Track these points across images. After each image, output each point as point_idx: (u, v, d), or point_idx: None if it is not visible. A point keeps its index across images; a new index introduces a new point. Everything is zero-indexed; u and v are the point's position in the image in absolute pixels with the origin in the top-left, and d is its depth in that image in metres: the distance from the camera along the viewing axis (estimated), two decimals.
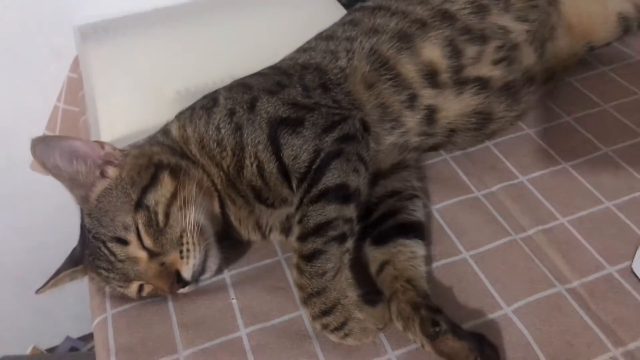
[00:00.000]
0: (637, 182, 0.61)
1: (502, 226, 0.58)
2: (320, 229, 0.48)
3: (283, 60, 0.64)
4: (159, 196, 0.51)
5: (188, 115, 0.57)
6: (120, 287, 0.51)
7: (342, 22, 0.67)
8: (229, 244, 0.57)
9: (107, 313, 0.54)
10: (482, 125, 0.64)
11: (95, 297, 0.56)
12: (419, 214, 0.57)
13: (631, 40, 0.80)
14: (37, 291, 0.54)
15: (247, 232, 0.57)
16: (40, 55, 0.93)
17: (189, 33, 0.84)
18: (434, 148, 0.67)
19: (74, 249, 0.55)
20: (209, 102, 0.57)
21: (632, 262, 0.53)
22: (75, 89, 0.90)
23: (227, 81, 0.63)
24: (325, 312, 0.47)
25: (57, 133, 0.91)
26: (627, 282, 0.52)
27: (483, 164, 0.66)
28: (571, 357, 0.47)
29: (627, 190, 0.61)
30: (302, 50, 0.64)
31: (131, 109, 0.73)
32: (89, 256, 0.52)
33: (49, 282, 0.54)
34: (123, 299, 0.54)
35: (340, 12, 0.82)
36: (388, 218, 0.56)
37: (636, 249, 0.53)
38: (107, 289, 0.55)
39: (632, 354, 0.47)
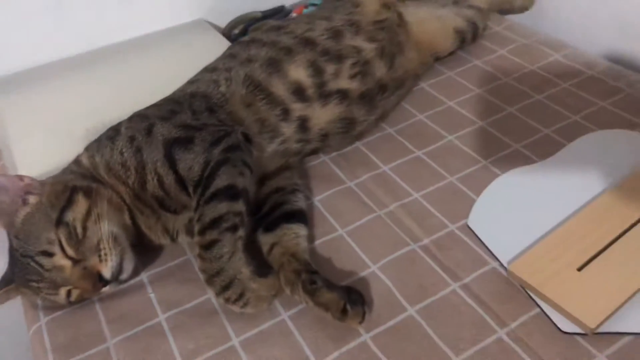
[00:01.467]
0: (474, 160, 0.77)
1: (369, 206, 0.72)
2: (214, 223, 0.59)
3: (175, 92, 0.75)
4: (75, 213, 0.60)
5: (95, 146, 0.67)
6: (50, 294, 0.60)
7: (223, 56, 0.79)
8: (143, 249, 0.67)
9: (41, 321, 0.62)
10: (348, 129, 0.78)
11: (28, 310, 0.64)
12: (300, 204, 0.70)
13: (469, 48, 0.98)
14: None
15: (157, 237, 0.67)
16: None
17: (92, 77, 0.93)
18: (314, 152, 0.80)
19: (5, 272, 0.63)
20: (112, 133, 0.67)
21: (467, 219, 0.68)
22: None
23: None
24: (225, 288, 0.58)
25: None
26: (464, 235, 0.67)
27: (354, 160, 0.80)
28: (422, 295, 0.60)
29: (465, 167, 0.76)
30: (190, 82, 0.76)
31: (46, 149, 0.81)
32: (19, 273, 0.60)
33: None
34: (54, 307, 0.63)
35: (227, 46, 0.95)
36: (275, 210, 0.68)
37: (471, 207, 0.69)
38: (39, 301, 0.63)
39: (468, 286, 0.61)
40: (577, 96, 0.85)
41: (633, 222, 0.63)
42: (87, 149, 0.69)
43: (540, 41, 0.98)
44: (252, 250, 0.65)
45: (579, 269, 0.59)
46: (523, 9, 1.08)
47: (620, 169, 0.71)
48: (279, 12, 1.13)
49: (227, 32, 1.08)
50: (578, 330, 0.55)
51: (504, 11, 1.08)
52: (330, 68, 0.76)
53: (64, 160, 0.73)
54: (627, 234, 0.62)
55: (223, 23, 1.11)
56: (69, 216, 0.60)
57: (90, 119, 0.83)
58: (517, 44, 0.98)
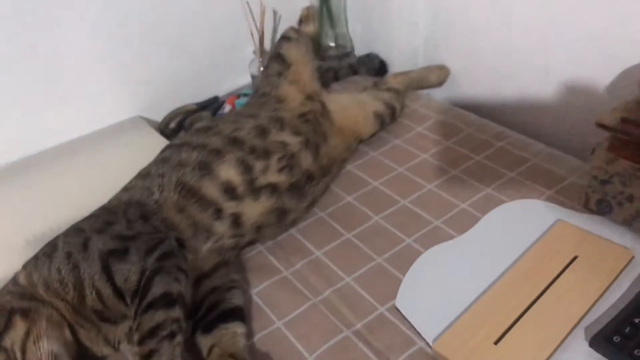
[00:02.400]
0: (399, 239, 0.82)
1: (305, 294, 0.76)
2: (152, 332, 0.62)
3: (110, 201, 0.78)
4: (14, 337, 0.61)
5: (33, 263, 0.69)
6: None
7: (155, 161, 0.83)
8: None
9: None
10: (281, 219, 0.83)
11: None
12: (236, 301, 0.73)
13: (391, 127, 1.06)
14: None
15: (99, 349, 0.69)
16: None
17: (29, 184, 0.95)
18: (250, 243, 0.84)
19: None
20: (49, 250, 0.70)
21: (395, 300, 0.73)
22: None
23: (69, 223, 0.75)
24: None
25: None
26: (393, 317, 0.71)
27: (289, 248, 0.84)
28: None
29: (391, 246, 0.81)
30: (125, 189, 0.80)
31: None
32: None
33: None
34: None
35: (163, 143, 0.99)
36: (212, 310, 0.71)
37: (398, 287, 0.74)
38: None
39: None
40: (489, 168, 0.93)
41: (541, 290, 0.69)
42: (24, 266, 0.70)
43: (453, 116, 1.07)
44: (193, 352, 0.67)
45: (496, 342, 0.64)
46: (438, 84, 1.18)
47: (530, 237, 0.77)
48: (213, 103, 1.19)
49: (163, 127, 1.13)
50: None
51: (421, 88, 1.18)
52: (258, 164, 0.81)
53: (3, 274, 0.74)
54: (537, 302, 0.68)
55: (159, 117, 1.15)
56: (7, 341, 0.61)
57: (29, 228, 0.86)
58: (433, 121, 1.06)
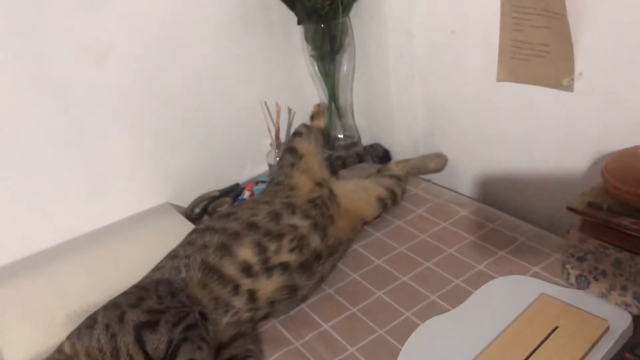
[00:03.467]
0: (399, 313, 0.91)
1: None
2: None
3: (144, 278, 0.90)
4: None
5: (76, 334, 0.80)
6: None
7: (182, 243, 0.95)
8: None
9: None
10: (292, 294, 0.93)
11: None
12: None
13: (393, 210, 1.17)
14: None
15: None
16: None
17: (69, 266, 1.07)
18: (265, 317, 0.93)
19: None
20: (90, 322, 0.80)
21: None
22: None
23: (106, 300, 0.86)
24: None
25: None
26: None
27: (300, 321, 0.93)
28: None
29: (392, 319, 0.90)
30: (156, 268, 0.91)
31: (30, 336, 0.92)
32: None
33: None
34: None
35: (189, 227, 1.11)
36: None
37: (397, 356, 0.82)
38: None
39: None
40: (481, 247, 1.02)
41: (524, 358, 0.77)
42: (68, 337, 0.81)
43: (450, 200, 1.18)
44: None
45: None
46: (437, 170, 1.30)
47: (516, 310, 0.86)
48: (234, 190, 1.33)
49: (189, 212, 1.26)
50: None
51: (421, 174, 1.30)
52: (272, 246, 0.92)
53: (47, 345, 0.85)
54: None
55: (186, 203, 1.29)
56: None
57: (70, 305, 0.97)
58: (431, 204, 1.17)
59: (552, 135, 1.03)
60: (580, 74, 0.94)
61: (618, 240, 0.80)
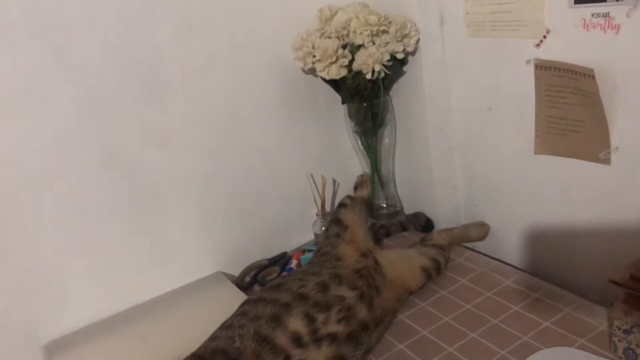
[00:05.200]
0: None
1: None
2: None
3: (199, 348, 0.95)
4: None
5: None
6: None
7: (236, 314, 1.00)
8: None
9: None
10: None
11: None
12: None
13: (438, 279, 1.20)
14: None
15: None
16: None
17: (131, 333, 1.13)
18: None
19: None
20: None
21: None
22: None
23: None
24: None
25: None
26: None
27: None
28: None
29: None
30: (211, 338, 0.96)
31: None
32: None
33: None
34: None
35: (239, 295, 1.17)
36: None
37: None
38: None
39: None
40: (526, 317, 1.04)
41: None
42: None
43: (493, 269, 1.20)
44: None
45: None
46: (479, 239, 1.33)
47: None
48: (282, 258, 1.38)
49: (239, 280, 1.32)
50: None
51: (464, 242, 1.33)
52: (320, 316, 0.96)
53: None
54: None
55: (236, 272, 1.35)
56: None
57: None
58: (475, 273, 1.20)
59: (593, 206, 1.06)
60: (617, 148, 0.98)
61: None
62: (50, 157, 1.09)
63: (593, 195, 1.05)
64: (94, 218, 1.16)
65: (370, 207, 1.44)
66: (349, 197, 1.30)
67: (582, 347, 0.94)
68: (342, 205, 1.26)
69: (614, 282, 0.85)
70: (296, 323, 0.95)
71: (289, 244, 1.43)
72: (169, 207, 1.24)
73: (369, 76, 1.23)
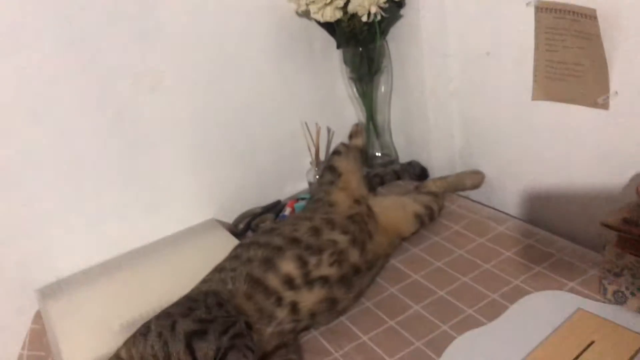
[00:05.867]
0: (436, 326, 0.94)
1: None
2: None
3: (192, 290, 0.95)
4: None
5: (132, 341, 0.86)
6: None
7: (229, 257, 1.01)
8: None
9: None
10: (332, 307, 0.97)
11: None
12: None
13: (431, 226, 1.20)
14: None
15: None
16: (4, 318, 1.16)
17: (123, 278, 1.14)
18: (306, 328, 0.97)
19: None
20: (144, 330, 0.86)
21: None
22: (38, 337, 1.15)
23: (157, 311, 0.92)
24: None
25: None
26: None
27: (340, 333, 0.97)
28: None
29: (428, 332, 0.92)
30: (204, 281, 0.97)
31: (87, 344, 0.99)
32: None
33: None
34: None
35: (233, 241, 1.17)
36: None
37: None
38: None
39: None
40: (518, 263, 1.04)
41: None
42: (125, 343, 0.87)
43: (487, 216, 1.20)
44: None
45: None
46: (474, 188, 1.32)
47: (552, 325, 0.87)
48: (275, 206, 1.38)
49: (233, 228, 1.32)
50: None
51: (458, 191, 1.32)
52: (313, 259, 0.97)
53: (104, 351, 0.91)
54: None
55: (230, 219, 1.35)
56: None
57: (124, 315, 1.03)
58: (468, 220, 1.20)
59: (589, 153, 1.05)
60: (616, 92, 0.96)
61: None
62: (39, 101, 1.07)
63: (590, 141, 1.04)
64: (85, 164, 1.15)
65: (365, 156, 1.42)
66: (343, 144, 1.28)
67: (572, 291, 0.94)
68: (336, 152, 1.25)
69: (607, 225, 0.85)
70: (288, 265, 0.95)
71: (283, 193, 1.42)
72: (160, 154, 1.23)
73: (364, 19, 1.19)
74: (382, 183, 1.40)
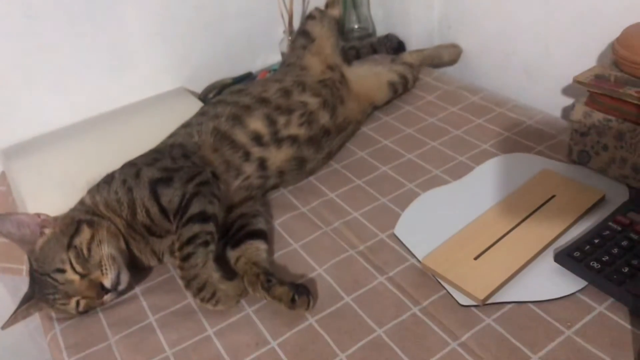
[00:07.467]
0: (402, 184, 0.94)
1: (318, 225, 0.89)
2: (190, 240, 0.76)
3: (158, 145, 0.94)
4: (81, 239, 0.77)
5: (95, 189, 0.85)
6: (63, 305, 0.76)
7: (195, 114, 0.98)
8: (137, 270, 0.83)
9: (56, 329, 0.78)
10: (300, 166, 0.97)
11: (45, 321, 0.79)
12: (261, 225, 0.87)
13: (404, 96, 1.18)
14: (3, 327, 0.77)
15: (147, 259, 0.84)
16: None
17: (89, 140, 1.11)
18: (275, 187, 0.98)
19: (26, 292, 0.79)
20: (108, 178, 0.85)
21: (394, 229, 0.85)
22: (3, 198, 1.14)
23: None
24: (200, 289, 0.74)
25: None
26: (391, 241, 0.84)
27: (308, 191, 0.97)
28: (356, 287, 0.77)
29: (395, 190, 0.93)
30: (170, 136, 0.95)
31: (53, 200, 0.98)
32: (38, 289, 0.76)
33: (11, 318, 0.77)
34: (66, 317, 0.78)
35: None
36: (240, 231, 0.85)
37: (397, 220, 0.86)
38: (53, 313, 0.79)
39: (391, 278, 0.77)
40: (488, 129, 1.04)
41: (520, 219, 0.80)
42: (89, 191, 0.86)
43: (461, 87, 1.18)
44: (222, 264, 0.81)
45: (475, 258, 0.76)
46: (451, 62, 1.30)
47: (516, 182, 0.89)
48: (246, 78, 1.34)
49: (202, 97, 1.28)
50: (472, 303, 0.72)
51: (435, 65, 1.30)
52: (282, 119, 0.95)
53: (68, 206, 0.90)
54: (515, 229, 0.79)
55: (200, 89, 1.31)
56: (77, 241, 0.77)
57: (89, 173, 1.02)
58: (442, 91, 1.18)
59: (567, 17, 1.02)
60: None
61: (622, 112, 0.81)
62: None
63: (568, 5, 1.00)
64: (46, 23, 1.08)
65: (341, 28, 1.37)
66: (318, 9, 1.23)
67: (540, 154, 0.95)
68: (310, 17, 1.20)
69: (579, 82, 0.84)
70: (256, 123, 0.93)
71: (255, 65, 1.38)
72: (126, 15, 1.16)
73: None
74: (358, 56, 1.35)
